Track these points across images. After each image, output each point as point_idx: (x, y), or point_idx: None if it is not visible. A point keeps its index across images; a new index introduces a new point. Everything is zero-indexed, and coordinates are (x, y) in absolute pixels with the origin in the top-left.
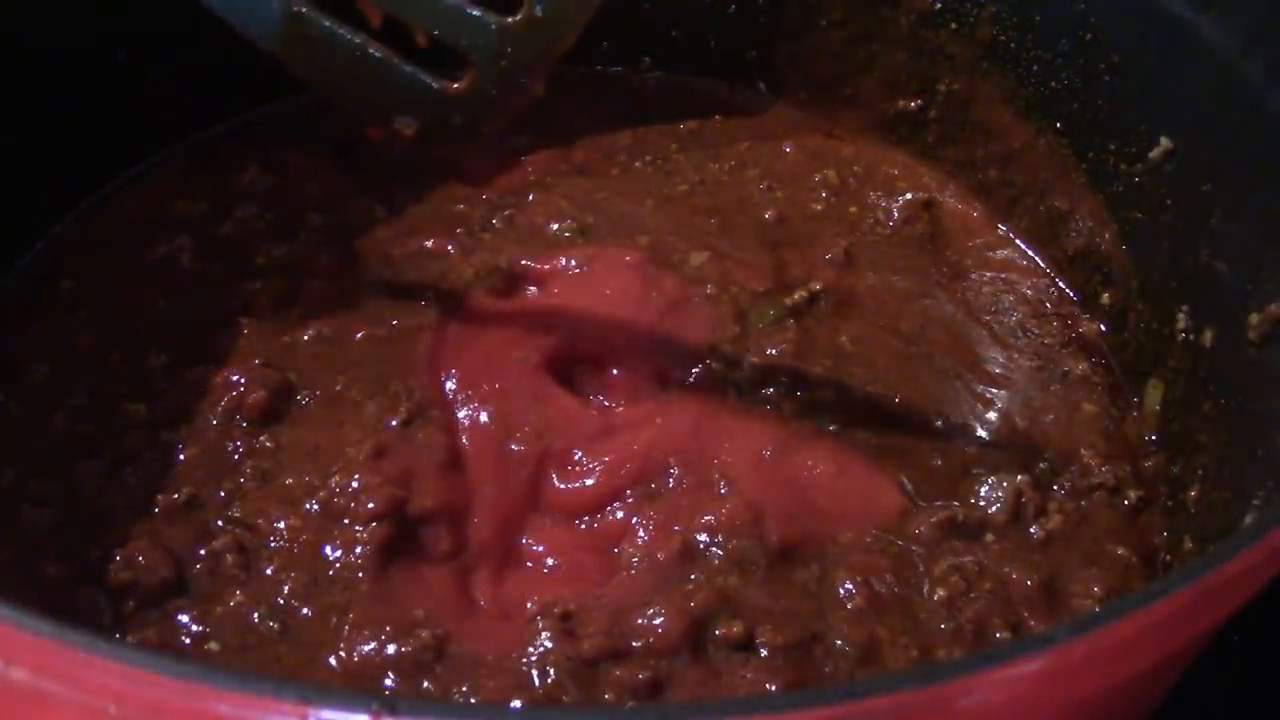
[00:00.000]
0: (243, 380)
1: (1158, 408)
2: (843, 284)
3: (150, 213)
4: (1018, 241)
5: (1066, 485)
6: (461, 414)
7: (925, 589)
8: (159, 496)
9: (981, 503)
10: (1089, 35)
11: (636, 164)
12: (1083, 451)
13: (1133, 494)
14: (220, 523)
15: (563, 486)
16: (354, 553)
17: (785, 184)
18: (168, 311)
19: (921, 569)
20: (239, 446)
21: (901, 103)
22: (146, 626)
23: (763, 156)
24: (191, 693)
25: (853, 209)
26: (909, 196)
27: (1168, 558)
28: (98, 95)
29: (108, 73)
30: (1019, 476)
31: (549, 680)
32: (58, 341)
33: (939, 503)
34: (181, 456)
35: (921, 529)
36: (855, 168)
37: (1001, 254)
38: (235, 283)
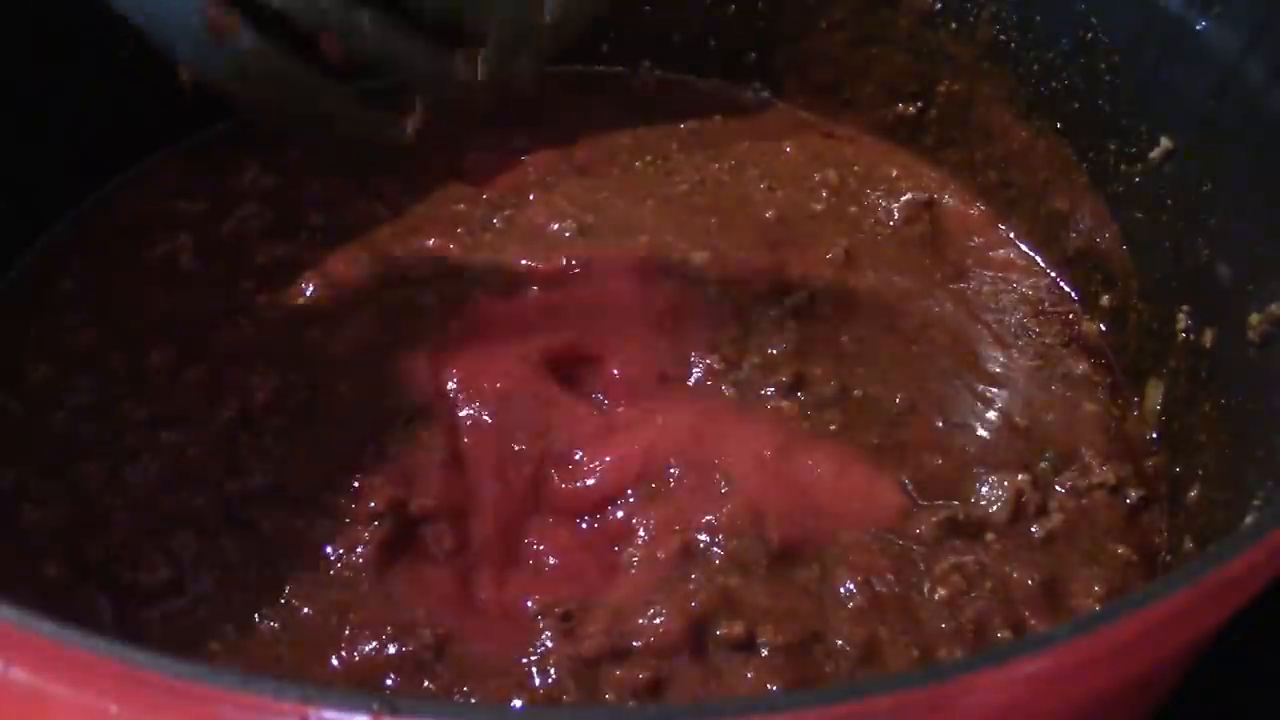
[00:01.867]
0: (243, 380)
1: (1158, 407)
2: (843, 284)
3: (150, 212)
4: (1018, 241)
5: (1067, 484)
6: (462, 413)
7: (926, 588)
8: (159, 496)
9: (982, 502)
10: (1089, 35)
11: (637, 164)
12: (1083, 450)
13: (1134, 493)
14: (221, 522)
15: (564, 486)
16: (355, 552)
17: (785, 184)
18: (168, 311)
19: (922, 568)
20: (239, 446)
21: (901, 106)
22: (147, 626)
23: (763, 156)
24: (191, 693)
25: (853, 209)
26: (909, 196)
27: (1168, 558)
28: (99, 94)
29: (109, 72)
30: (1020, 475)
31: (550, 680)
32: (58, 341)
33: (939, 502)
34: (182, 456)
35: (922, 529)
36: (855, 167)
37: (1001, 254)
38: (235, 282)
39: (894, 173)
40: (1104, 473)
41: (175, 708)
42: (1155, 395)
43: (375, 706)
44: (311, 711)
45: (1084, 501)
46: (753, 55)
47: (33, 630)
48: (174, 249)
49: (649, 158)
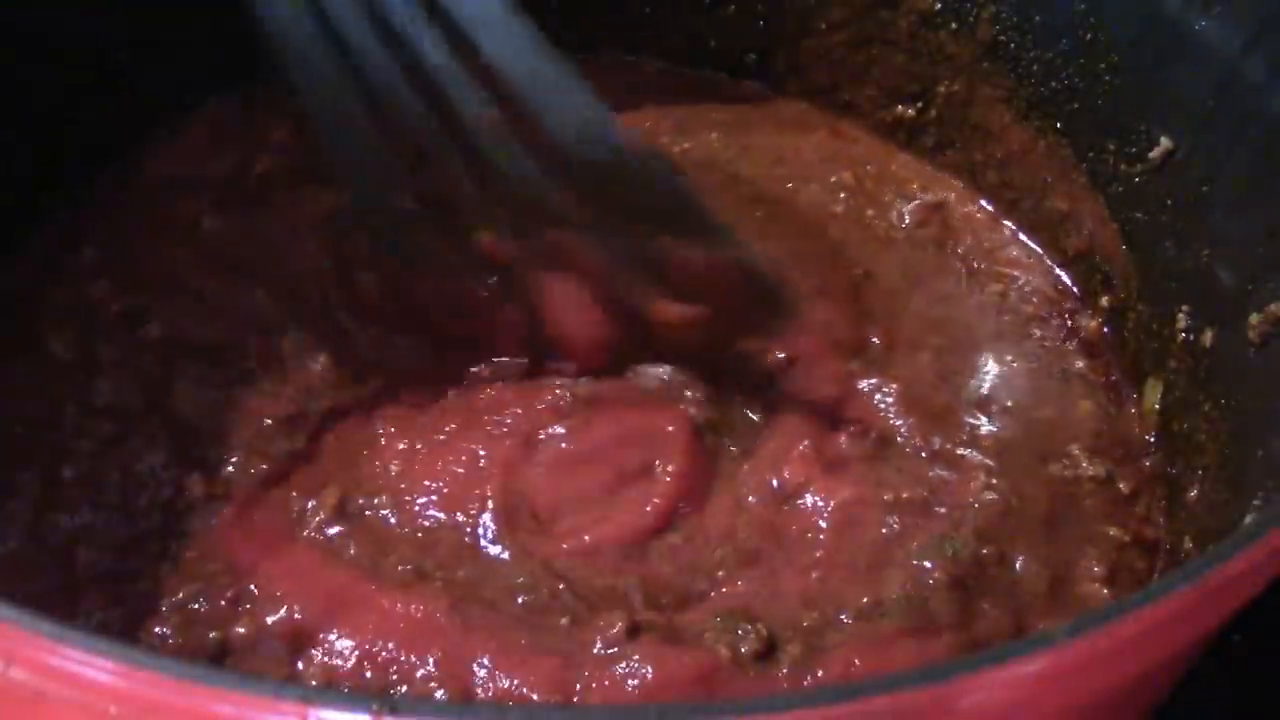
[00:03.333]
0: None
1: (1156, 406)
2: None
3: (178, 173)
4: (1021, 236)
5: (1056, 475)
6: None
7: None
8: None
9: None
10: (1089, 35)
11: (676, 150)
12: (1072, 446)
13: (1124, 485)
14: None
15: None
16: None
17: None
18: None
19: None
20: None
21: (901, 107)
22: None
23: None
24: (192, 693)
25: (870, 211)
26: (920, 200)
27: (1168, 557)
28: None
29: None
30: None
31: None
32: (77, 303)
33: None
34: None
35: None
36: (868, 166)
37: (1006, 253)
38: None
39: (901, 173)
40: (1091, 467)
41: (175, 708)
42: (1154, 395)
43: (375, 706)
44: (311, 711)
45: (1071, 491)
46: (752, 56)
47: (33, 630)
48: (199, 211)
49: (686, 144)
